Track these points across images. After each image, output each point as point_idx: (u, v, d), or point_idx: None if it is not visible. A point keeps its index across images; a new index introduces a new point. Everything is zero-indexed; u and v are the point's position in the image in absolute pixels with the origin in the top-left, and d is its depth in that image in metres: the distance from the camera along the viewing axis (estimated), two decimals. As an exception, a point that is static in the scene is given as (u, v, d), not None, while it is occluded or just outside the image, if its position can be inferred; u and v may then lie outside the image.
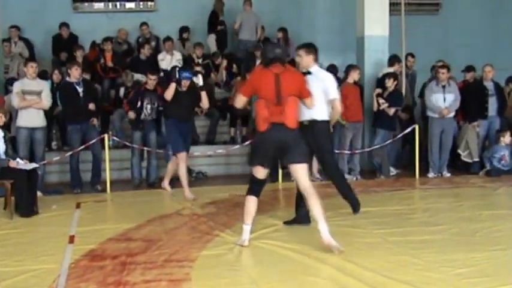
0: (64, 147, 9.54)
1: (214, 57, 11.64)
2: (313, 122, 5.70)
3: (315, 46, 5.99)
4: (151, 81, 8.54)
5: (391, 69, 9.81)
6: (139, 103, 8.51)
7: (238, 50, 12.03)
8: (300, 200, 5.70)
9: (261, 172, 5.15)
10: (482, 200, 7.53)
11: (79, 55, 10.62)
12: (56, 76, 9.60)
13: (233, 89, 10.63)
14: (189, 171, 9.52)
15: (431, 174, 9.23)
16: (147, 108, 8.53)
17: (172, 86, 7.51)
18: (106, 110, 10.03)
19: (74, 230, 6.02)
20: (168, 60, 11.17)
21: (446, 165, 9.37)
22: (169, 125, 7.78)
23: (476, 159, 9.45)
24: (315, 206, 4.99)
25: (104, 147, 8.47)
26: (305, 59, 5.89)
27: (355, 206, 6.15)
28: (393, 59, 9.74)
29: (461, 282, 4.17)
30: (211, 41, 12.21)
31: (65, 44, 11.48)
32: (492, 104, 9.54)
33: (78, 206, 7.34)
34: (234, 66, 11.54)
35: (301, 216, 5.86)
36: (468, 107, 9.47)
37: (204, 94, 7.76)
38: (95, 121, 8.57)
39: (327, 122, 5.87)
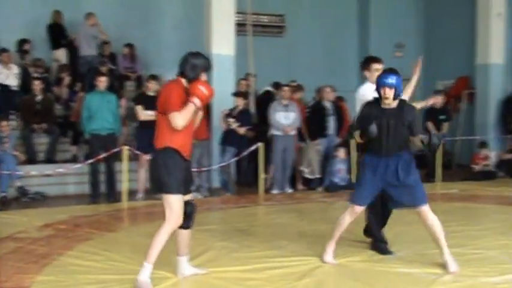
0: None
1: (62, 68, 11.14)
2: None
3: None
4: None
5: (268, 88, 10.53)
6: None
7: (80, 65, 11.61)
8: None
9: None
10: (321, 214, 7.88)
11: None
12: None
13: (76, 105, 10.21)
14: (25, 191, 8.97)
15: (274, 191, 9.51)
16: None
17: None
18: None
19: None
20: (5, 74, 10.48)
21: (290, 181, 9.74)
22: (364, 163, 5.19)
23: (318, 176, 9.90)
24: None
25: None
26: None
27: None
28: (275, 84, 10.54)
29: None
30: (62, 55, 11.67)
31: None
32: (331, 123, 10.07)
33: None
34: (78, 84, 11.10)
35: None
36: (309, 126, 9.94)
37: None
38: None
39: None
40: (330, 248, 5.23)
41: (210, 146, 9.41)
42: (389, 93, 4.86)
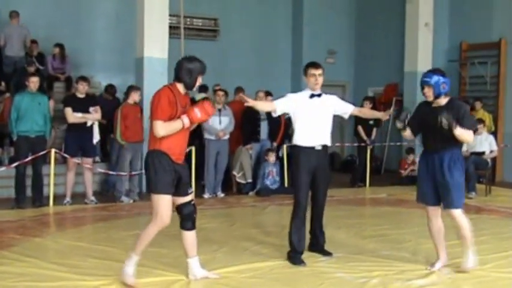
0: None
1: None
2: (326, 147, 5.58)
3: None
4: None
5: (203, 95, 10.63)
6: None
7: (4, 65, 11.21)
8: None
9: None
10: (253, 219, 7.90)
11: None
12: None
13: (1, 106, 9.85)
14: None
15: (206, 195, 9.48)
16: None
17: None
18: None
19: None
20: None
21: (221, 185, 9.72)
22: (419, 160, 5.49)
23: (250, 180, 9.93)
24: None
25: None
26: (321, 80, 5.52)
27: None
28: (203, 88, 10.76)
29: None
30: None
31: None
32: (264, 128, 10.13)
33: None
34: (2, 83, 10.71)
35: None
36: (242, 131, 9.96)
37: None
38: None
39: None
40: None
41: (142, 149, 9.25)
42: (428, 91, 5.07)
